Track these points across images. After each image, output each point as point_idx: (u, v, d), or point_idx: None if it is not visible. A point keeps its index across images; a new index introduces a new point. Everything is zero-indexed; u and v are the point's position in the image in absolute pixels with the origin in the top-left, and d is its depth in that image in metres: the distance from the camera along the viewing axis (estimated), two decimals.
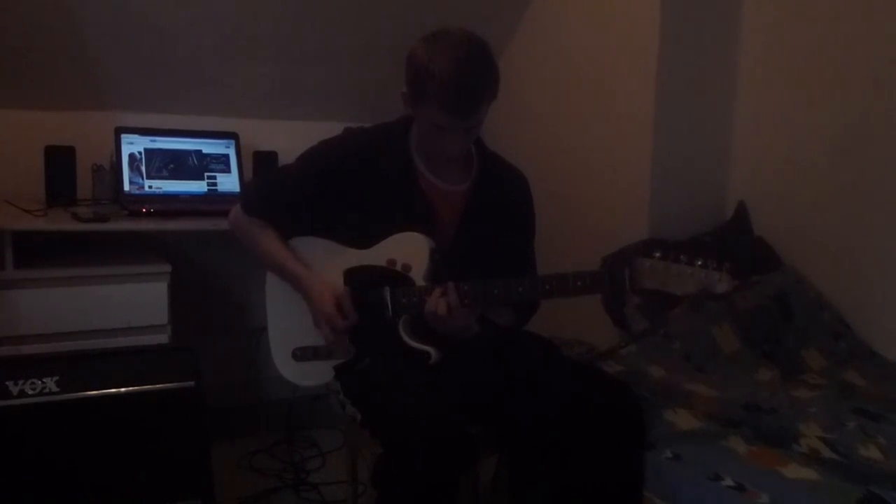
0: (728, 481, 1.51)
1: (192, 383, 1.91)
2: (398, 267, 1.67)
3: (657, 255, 1.50)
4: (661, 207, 2.56)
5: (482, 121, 1.62)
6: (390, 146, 1.72)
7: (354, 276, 1.69)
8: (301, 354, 1.74)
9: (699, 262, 1.48)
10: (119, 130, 2.55)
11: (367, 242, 1.69)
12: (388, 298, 1.66)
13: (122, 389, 1.86)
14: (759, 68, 2.59)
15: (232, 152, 2.73)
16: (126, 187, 2.50)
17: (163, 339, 2.21)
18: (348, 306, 1.65)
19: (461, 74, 1.50)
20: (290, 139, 2.23)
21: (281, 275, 1.75)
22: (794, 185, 2.50)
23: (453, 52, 1.51)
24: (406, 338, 1.66)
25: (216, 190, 2.67)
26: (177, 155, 2.63)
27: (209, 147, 2.69)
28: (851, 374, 2.14)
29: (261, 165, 2.80)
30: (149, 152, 2.58)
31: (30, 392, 1.78)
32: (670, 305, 2.26)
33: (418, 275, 1.65)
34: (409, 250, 1.66)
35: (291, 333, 1.75)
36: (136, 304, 2.19)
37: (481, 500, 1.95)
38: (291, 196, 1.74)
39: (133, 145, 2.56)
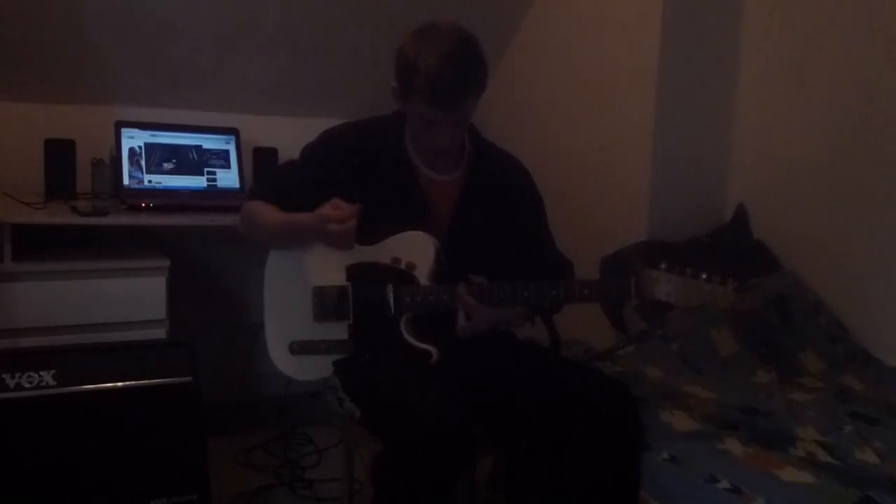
0: (724, 483, 1.51)
1: (189, 378, 1.91)
2: (402, 265, 1.67)
3: (663, 266, 1.51)
4: (661, 209, 2.56)
5: (470, 114, 1.62)
6: (386, 138, 1.73)
7: (357, 272, 1.69)
8: (298, 347, 1.74)
9: (704, 276, 1.49)
10: (119, 124, 2.55)
11: (367, 236, 1.69)
12: (391, 296, 1.66)
13: (119, 384, 1.85)
14: (759, 70, 2.59)
15: (232, 148, 2.73)
16: (126, 181, 2.50)
17: (160, 333, 2.21)
18: (340, 202, 1.62)
19: (446, 69, 1.51)
20: (291, 135, 2.23)
21: (286, 233, 1.73)
22: (794, 188, 2.50)
23: (439, 47, 1.52)
24: (407, 336, 1.66)
25: (216, 185, 2.66)
26: (177, 150, 2.62)
27: (209, 142, 2.69)
28: (849, 377, 2.14)
29: (261, 161, 2.80)
30: (149, 147, 2.57)
31: (26, 385, 1.78)
32: (668, 307, 2.26)
33: (422, 274, 1.66)
34: (414, 249, 1.67)
35: (290, 326, 1.75)
36: (134, 298, 2.19)
37: (478, 499, 1.96)
38: (295, 187, 1.74)
39: (133, 139, 2.55)
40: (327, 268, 1.71)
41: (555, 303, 1.73)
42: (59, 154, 2.46)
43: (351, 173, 1.69)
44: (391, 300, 1.66)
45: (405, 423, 1.49)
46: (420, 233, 1.67)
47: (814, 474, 1.52)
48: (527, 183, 1.85)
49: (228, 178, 2.69)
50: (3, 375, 1.76)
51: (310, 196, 1.72)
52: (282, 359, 1.76)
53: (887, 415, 1.85)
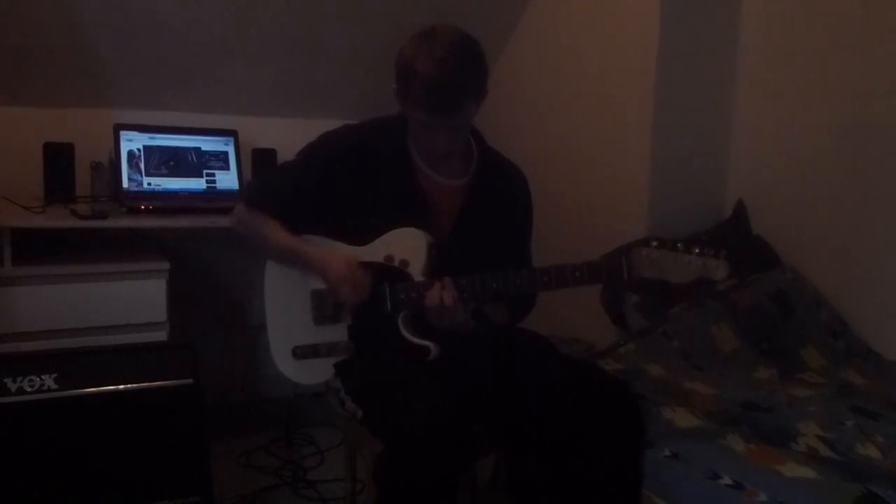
0: (726, 480, 1.51)
1: (190, 381, 1.91)
2: (396, 263, 1.67)
3: (654, 244, 1.50)
4: (661, 206, 2.56)
5: (468, 119, 1.61)
6: (388, 140, 1.72)
7: None
8: (301, 352, 1.74)
9: (696, 250, 1.48)
10: (118, 127, 2.55)
11: (365, 237, 1.69)
12: (387, 294, 1.66)
13: (121, 387, 1.85)
14: (759, 67, 2.59)
15: (231, 150, 2.73)
16: (125, 184, 2.50)
17: (161, 336, 2.21)
18: (359, 269, 1.64)
19: (442, 74, 1.50)
20: (289, 136, 2.23)
21: (292, 260, 1.74)
22: (793, 184, 2.50)
23: (437, 52, 1.51)
24: (405, 333, 1.67)
25: (215, 187, 2.66)
26: (176, 152, 2.62)
27: (208, 144, 2.69)
28: (850, 372, 2.14)
29: (260, 163, 2.80)
30: (148, 149, 2.57)
31: (28, 389, 1.78)
32: (669, 304, 2.26)
33: (416, 270, 1.66)
34: (406, 246, 1.67)
35: (291, 331, 1.75)
36: (134, 301, 2.19)
37: (479, 498, 1.96)
38: (294, 190, 1.73)
39: (132, 142, 2.55)
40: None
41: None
42: (59, 157, 2.46)
43: (352, 175, 1.69)
44: (387, 298, 1.66)
45: (405, 421, 1.49)
46: (411, 229, 1.66)
47: (816, 469, 1.52)
48: (525, 197, 1.84)
49: (228, 179, 2.69)
50: (5, 379, 1.76)
51: (310, 199, 1.72)
52: (285, 364, 1.77)
53: (889, 409, 1.85)
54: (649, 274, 1.50)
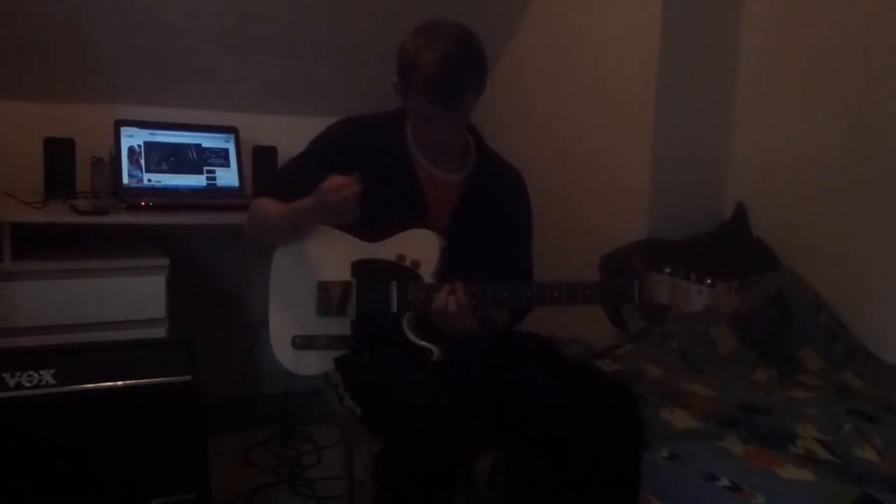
0: (724, 481, 1.51)
1: (189, 377, 1.91)
2: (407, 263, 1.67)
3: (667, 270, 1.51)
4: (661, 207, 2.56)
5: (469, 112, 1.64)
6: (388, 134, 1.74)
7: (362, 268, 1.69)
8: (301, 342, 1.74)
9: (708, 281, 1.48)
10: (118, 123, 2.55)
11: (371, 232, 1.69)
12: (395, 293, 1.66)
13: (119, 383, 1.85)
14: (760, 68, 2.59)
15: (231, 147, 2.73)
16: (125, 180, 2.50)
17: (160, 332, 2.21)
18: (337, 176, 1.59)
19: (446, 67, 1.53)
20: (290, 134, 2.23)
21: (289, 223, 1.72)
22: (794, 186, 2.50)
23: (440, 45, 1.54)
24: (409, 334, 1.66)
25: (215, 184, 2.66)
26: (176, 149, 2.62)
27: (209, 141, 2.69)
28: (848, 375, 2.14)
29: (260, 160, 2.80)
30: (148, 145, 2.57)
31: (26, 384, 1.77)
32: (669, 307, 2.26)
33: (427, 272, 1.66)
34: (419, 247, 1.67)
35: (293, 320, 1.75)
36: (133, 297, 2.18)
37: (477, 497, 1.96)
38: (299, 180, 1.73)
39: (132, 138, 2.55)
40: (333, 263, 1.71)
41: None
42: (59, 153, 2.45)
43: (351, 165, 1.69)
44: (394, 297, 1.66)
45: (405, 420, 1.49)
46: (426, 231, 1.67)
47: (813, 472, 1.52)
48: (523, 198, 1.85)
49: (228, 176, 2.69)
50: (3, 374, 1.76)
51: (312, 186, 1.72)
52: (284, 353, 1.77)
53: (887, 412, 1.86)
54: (660, 300, 1.53)
